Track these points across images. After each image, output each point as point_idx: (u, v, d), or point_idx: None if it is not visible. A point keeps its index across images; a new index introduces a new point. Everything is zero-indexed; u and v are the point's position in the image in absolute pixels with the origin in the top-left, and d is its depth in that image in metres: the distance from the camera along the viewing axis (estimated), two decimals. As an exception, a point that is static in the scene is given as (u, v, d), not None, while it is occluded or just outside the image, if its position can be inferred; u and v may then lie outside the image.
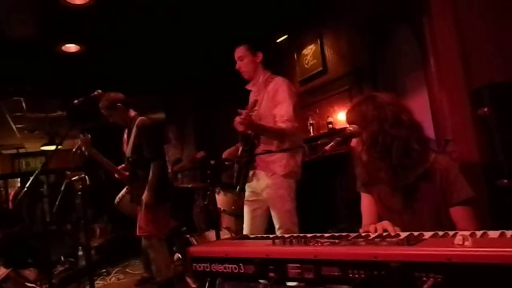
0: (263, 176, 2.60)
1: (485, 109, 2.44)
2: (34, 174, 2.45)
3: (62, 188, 3.56)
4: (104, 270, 4.84)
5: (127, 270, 4.91)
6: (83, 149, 3.35)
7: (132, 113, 3.44)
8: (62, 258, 4.86)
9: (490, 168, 2.56)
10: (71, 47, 5.08)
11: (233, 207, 4.01)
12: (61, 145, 2.96)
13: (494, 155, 2.50)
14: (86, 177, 2.91)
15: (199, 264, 1.39)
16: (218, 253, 1.33)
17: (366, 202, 1.75)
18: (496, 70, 2.64)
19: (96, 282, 4.51)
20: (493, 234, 1.07)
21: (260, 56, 2.76)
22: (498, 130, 2.51)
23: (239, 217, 4.06)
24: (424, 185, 1.54)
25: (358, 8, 4.12)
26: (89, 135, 3.34)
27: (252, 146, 2.57)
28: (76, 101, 2.69)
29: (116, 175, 3.55)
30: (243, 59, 2.75)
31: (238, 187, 2.54)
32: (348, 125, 1.63)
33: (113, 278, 4.63)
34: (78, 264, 4.91)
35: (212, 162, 1.84)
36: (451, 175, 1.51)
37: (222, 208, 3.91)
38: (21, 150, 11.97)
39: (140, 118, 3.36)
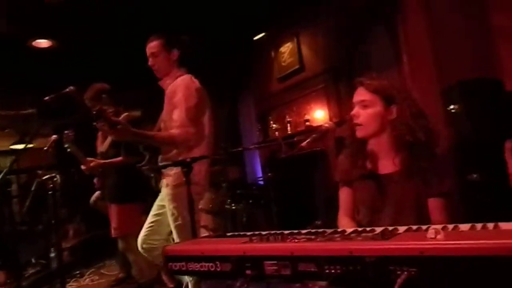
0: (163, 185, 2.45)
1: (456, 106, 2.51)
2: (2, 174, 2.36)
3: (33, 188, 3.46)
4: (77, 272, 4.72)
5: (102, 271, 4.80)
6: (66, 146, 3.25)
7: (119, 107, 3.34)
8: (33, 260, 4.72)
9: (461, 163, 2.64)
10: (43, 42, 4.94)
11: (210, 205, 4.00)
12: (31, 143, 2.86)
13: (465, 150, 2.57)
14: (57, 176, 2.81)
15: (175, 263, 1.36)
16: (194, 252, 1.32)
17: (344, 194, 1.76)
18: (466, 67, 2.73)
19: (69, 284, 4.40)
20: (464, 227, 1.10)
21: (175, 54, 2.49)
22: (468, 126, 2.59)
23: (217, 215, 4.06)
24: (409, 179, 1.56)
25: (334, 7, 4.16)
26: (72, 133, 3.24)
27: (154, 154, 2.46)
28: (47, 98, 2.59)
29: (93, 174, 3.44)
30: (157, 55, 2.47)
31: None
32: (324, 122, 1.65)
33: (87, 279, 4.52)
34: (50, 266, 4.78)
35: (187, 159, 1.81)
36: (433, 167, 1.55)
37: (199, 207, 3.88)
38: (-9, 149, 11.54)
39: (125, 114, 3.26)
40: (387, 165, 1.62)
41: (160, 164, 2.44)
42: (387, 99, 1.58)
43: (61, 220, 6.56)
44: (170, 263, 1.38)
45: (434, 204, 1.55)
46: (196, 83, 2.45)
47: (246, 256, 1.19)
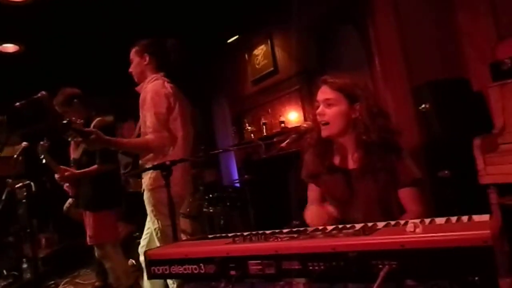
0: (142, 188, 2.47)
1: (427, 105, 2.60)
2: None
3: (3, 197, 3.34)
4: (52, 282, 4.58)
5: (77, 280, 4.67)
6: (42, 157, 3.15)
7: (91, 112, 3.26)
8: (5, 272, 4.55)
9: (431, 160, 2.73)
10: (9, 47, 4.77)
11: (188, 209, 3.97)
12: (0, 152, 2.76)
13: (435, 148, 2.67)
14: (32, 184, 2.72)
15: (158, 267, 1.35)
16: (178, 255, 1.31)
17: (312, 190, 1.81)
18: (436, 68, 2.83)
19: (43, 295, 4.28)
20: (440, 220, 1.15)
21: (146, 58, 2.50)
22: (438, 124, 2.68)
23: (194, 219, 4.03)
24: (369, 175, 1.61)
25: (305, 9, 4.23)
26: (47, 143, 3.15)
27: (136, 159, 2.47)
28: (18, 104, 2.51)
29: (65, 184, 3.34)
30: (132, 61, 2.56)
31: None
32: (302, 123, 1.68)
33: (62, 289, 4.40)
34: (22, 277, 4.61)
35: (167, 162, 1.80)
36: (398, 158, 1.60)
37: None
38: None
39: (98, 119, 3.19)
40: (353, 161, 1.67)
41: (140, 168, 2.43)
42: (351, 97, 1.62)
43: (33, 230, 6.36)
44: (153, 267, 1.37)
45: (404, 194, 1.60)
46: (167, 87, 2.43)
47: (230, 257, 1.20)
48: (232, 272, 1.19)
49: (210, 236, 1.66)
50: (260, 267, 1.15)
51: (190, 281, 1.32)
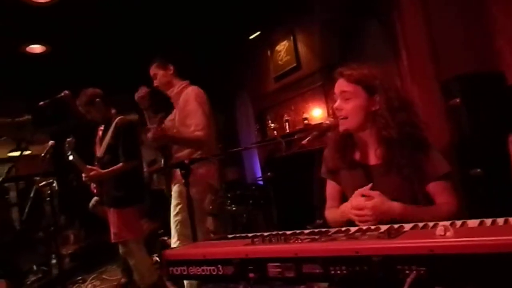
0: (174, 185, 2.65)
1: (457, 100, 2.48)
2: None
3: (31, 195, 3.42)
4: (79, 278, 4.68)
5: (103, 276, 4.76)
6: (68, 154, 3.21)
7: (112, 111, 3.31)
8: (35, 267, 4.68)
9: (462, 158, 2.61)
10: (36, 48, 4.89)
11: (210, 207, 3.96)
12: (28, 150, 2.82)
13: (466, 145, 2.55)
14: (55, 182, 2.77)
15: (176, 268, 1.33)
16: (195, 256, 1.28)
17: (331, 187, 1.75)
18: (464, 61, 2.70)
19: (71, 290, 4.37)
20: (473, 223, 1.07)
21: (171, 68, 2.78)
22: (469, 120, 2.56)
23: (218, 217, 4.02)
24: (392, 172, 1.52)
25: (328, 3, 4.13)
26: (73, 140, 3.22)
27: (166, 157, 2.66)
28: (41, 103, 2.57)
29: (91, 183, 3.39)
30: (156, 76, 2.79)
31: None
32: (324, 120, 1.61)
33: (89, 285, 4.48)
34: (51, 272, 4.74)
35: (186, 161, 1.78)
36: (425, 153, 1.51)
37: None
38: (-12, 158, 11.46)
39: (120, 117, 3.23)
40: (375, 156, 1.58)
41: (163, 166, 2.68)
42: (370, 89, 1.52)
43: (60, 226, 6.55)
44: (171, 268, 1.35)
45: (434, 188, 1.51)
46: (204, 93, 2.72)
47: (249, 259, 1.16)
48: (251, 275, 1.15)
49: (229, 236, 1.62)
50: (279, 270, 1.10)
51: (208, 283, 1.29)
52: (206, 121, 2.54)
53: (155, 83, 2.80)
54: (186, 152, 2.60)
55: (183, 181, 2.39)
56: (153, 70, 2.80)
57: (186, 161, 1.81)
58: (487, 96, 2.53)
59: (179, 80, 2.81)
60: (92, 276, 4.75)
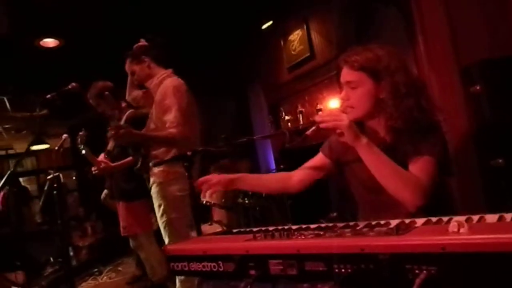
0: (151, 183, 2.52)
1: (477, 87, 2.35)
2: (6, 175, 2.34)
3: (46, 188, 3.44)
4: (96, 270, 4.75)
5: (119, 268, 4.82)
6: (80, 147, 3.23)
7: (123, 104, 3.30)
8: (51, 259, 4.75)
9: (483, 147, 2.49)
10: (50, 42, 4.91)
11: (223, 200, 3.92)
12: (40, 144, 2.83)
13: (487, 134, 2.42)
14: (60, 175, 2.78)
15: (177, 264, 1.29)
16: (196, 251, 1.24)
17: (319, 158, 1.71)
18: (485, 47, 2.56)
19: (88, 281, 4.44)
20: (491, 218, 0.98)
21: (146, 60, 2.57)
22: (490, 108, 2.43)
23: (230, 209, 3.98)
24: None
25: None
26: (85, 133, 3.23)
27: (143, 156, 2.52)
28: (48, 96, 2.56)
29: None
30: (133, 73, 2.61)
31: None
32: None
33: (105, 277, 4.54)
34: (69, 264, 4.81)
35: (188, 153, 1.73)
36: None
37: (212, 202, 3.81)
38: (10, 151, 11.74)
39: (130, 110, 3.22)
40: (382, 143, 1.49)
41: (140, 164, 2.51)
42: (375, 74, 1.42)
43: (79, 219, 6.65)
44: (172, 263, 1.31)
45: (413, 163, 1.38)
46: (184, 84, 2.51)
47: (250, 255, 1.11)
48: (252, 272, 1.10)
49: (234, 230, 1.58)
50: (281, 267, 1.05)
51: (209, 280, 1.25)
52: (181, 118, 2.35)
53: (132, 79, 2.65)
54: (162, 150, 2.45)
55: (160, 180, 2.40)
56: (128, 67, 2.63)
57: (188, 153, 1.76)
58: (509, 83, 2.39)
59: (159, 69, 2.60)
60: (108, 268, 4.81)
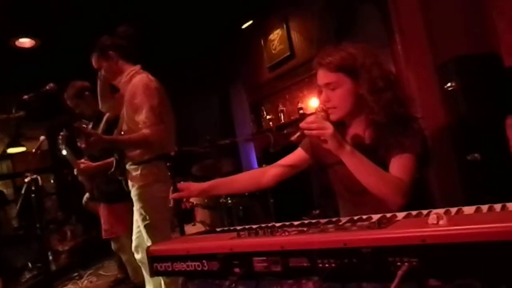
0: (130, 186, 2.43)
1: (453, 83, 2.41)
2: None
3: (23, 191, 3.36)
4: (76, 274, 4.65)
5: (100, 272, 4.72)
6: (61, 148, 3.15)
7: None
8: (30, 264, 4.64)
9: (460, 142, 2.55)
10: (26, 42, 4.80)
11: (206, 200, 3.91)
12: (16, 146, 2.76)
13: (464, 129, 2.48)
14: (38, 178, 2.72)
15: (160, 264, 1.27)
16: (180, 251, 1.23)
17: (297, 154, 1.70)
18: (462, 43, 2.62)
19: (68, 286, 4.34)
20: (469, 210, 1.01)
21: (112, 55, 2.39)
22: (466, 104, 2.49)
23: (213, 209, 3.97)
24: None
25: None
26: (65, 133, 3.15)
27: (117, 159, 2.43)
28: (26, 96, 2.48)
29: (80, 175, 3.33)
30: (100, 67, 2.43)
31: None
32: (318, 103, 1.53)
33: (86, 281, 4.45)
34: (48, 269, 4.70)
35: (172, 153, 1.71)
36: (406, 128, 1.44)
37: (194, 202, 3.80)
38: (-16, 155, 11.38)
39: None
40: (364, 137, 1.52)
41: (115, 167, 2.42)
42: (352, 72, 1.44)
43: (58, 222, 6.50)
44: (155, 264, 1.30)
45: (393, 161, 1.40)
46: (154, 81, 2.36)
47: (234, 253, 1.10)
48: (236, 270, 1.10)
49: (218, 229, 1.57)
50: (265, 264, 1.05)
51: (194, 279, 1.24)
52: (154, 117, 2.22)
53: (104, 74, 2.46)
54: (138, 151, 2.34)
55: (140, 183, 2.32)
56: (95, 62, 2.44)
57: (172, 153, 1.74)
58: (485, 79, 2.45)
59: (128, 66, 2.43)
60: (89, 272, 4.71)
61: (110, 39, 2.44)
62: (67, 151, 3.14)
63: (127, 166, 2.41)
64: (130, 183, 2.40)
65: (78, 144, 2.14)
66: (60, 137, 3.19)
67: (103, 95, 2.56)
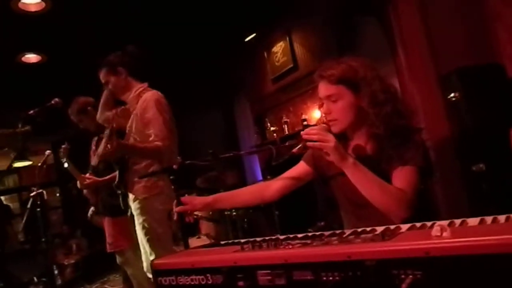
0: (131, 200, 2.44)
1: (456, 94, 2.41)
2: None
3: (29, 205, 3.37)
4: (81, 288, 4.65)
5: (105, 286, 4.72)
6: (63, 161, 3.17)
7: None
8: (35, 279, 4.63)
9: (465, 153, 2.54)
10: (32, 57, 4.87)
11: (210, 213, 3.90)
12: (22, 161, 2.78)
13: (468, 139, 2.48)
14: (44, 192, 2.73)
15: (165, 278, 1.27)
16: (184, 265, 1.23)
17: (301, 167, 1.69)
18: (464, 54, 2.63)
19: (73, 301, 4.34)
20: (473, 221, 1.01)
21: (122, 71, 2.47)
22: (470, 115, 2.49)
23: (218, 222, 3.96)
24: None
25: (325, 2, 4.09)
26: (68, 146, 3.17)
27: (121, 170, 2.45)
28: (31, 111, 2.51)
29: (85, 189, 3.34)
30: (108, 82, 2.51)
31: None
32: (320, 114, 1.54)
33: (91, 295, 4.45)
34: (54, 283, 4.69)
35: (175, 166, 1.72)
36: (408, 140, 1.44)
37: (199, 214, 3.79)
38: (-9, 169, 11.46)
39: (113, 125, 3.17)
40: (366, 149, 1.52)
41: (118, 180, 2.43)
42: (353, 85, 1.45)
43: (63, 236, 6.51)
44: (160, 278, 1.29)
45: (395, 173, 1.40)
46: (164, 98, 2.46)
47: (238, 266, 1.10)
48: (241, 283, 1.10)
49: (222, 242, 1.57)
50: (269, 277, 1.04)
51: (198, 293, 1.23)
52: (166, 131, 2.31)
53: (111, 88, 2.53)
54: (143, 164, 2.38)
55: (144, 196, 2.33)
56: (103, 77, 2.51)
57: (174, 167, 1.75)
58: (488, 89, 2.46)
59: (136, 83, 2.53)
60: (94, 286, 4.71)
61: (120, 56, 2.52)
62: (68, 164, 3.16)
63: (132, 179, 2.42)
64: (131, 196, 2.41)
65: (102, 148, 2.17)
66: (61, 149, 3.21)
67: (105, 104, 2.61)
